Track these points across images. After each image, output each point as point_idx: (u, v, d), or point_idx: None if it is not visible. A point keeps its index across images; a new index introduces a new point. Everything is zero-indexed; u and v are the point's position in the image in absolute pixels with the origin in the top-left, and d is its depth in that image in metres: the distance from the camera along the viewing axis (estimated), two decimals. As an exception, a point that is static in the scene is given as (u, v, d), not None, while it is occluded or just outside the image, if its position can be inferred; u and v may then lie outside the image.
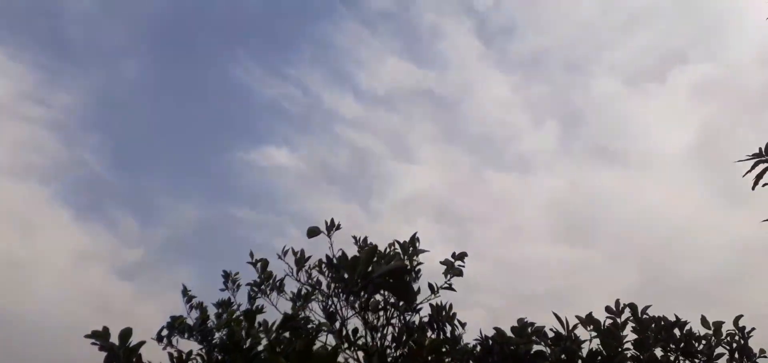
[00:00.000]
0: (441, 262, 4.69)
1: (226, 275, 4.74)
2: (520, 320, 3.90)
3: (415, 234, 4.55)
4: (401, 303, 4.24)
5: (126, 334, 3.42)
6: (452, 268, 4.64)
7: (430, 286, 4.46)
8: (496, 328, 3.94)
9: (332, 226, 4.68)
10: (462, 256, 4.71)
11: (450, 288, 4.45)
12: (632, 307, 4.21)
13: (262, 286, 4.65)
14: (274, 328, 3.83)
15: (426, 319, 4.56)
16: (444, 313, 4.52)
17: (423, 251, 4.59)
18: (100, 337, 3.41)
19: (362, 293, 3.92)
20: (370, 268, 3.28)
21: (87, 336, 3.38)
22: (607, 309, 4.28)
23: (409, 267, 4.08)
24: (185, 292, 4.63)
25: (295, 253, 4.95)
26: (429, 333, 4.42)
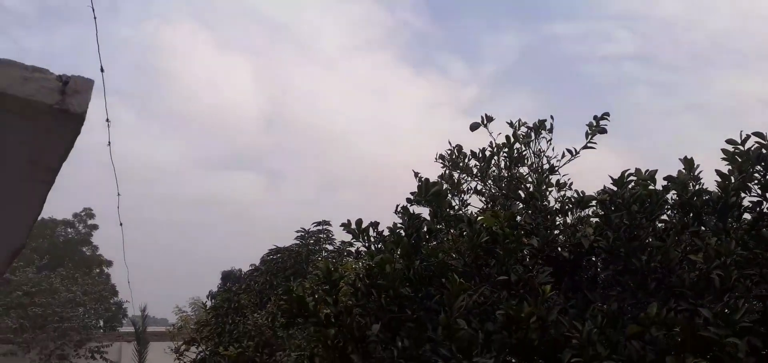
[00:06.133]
0: (586, 125, 5.63)
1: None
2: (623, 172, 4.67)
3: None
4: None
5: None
6: (596, 128, 5.56)
7: (569, 150, 5.44)
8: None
9: (488, 120, 5.90)
10: (604, 115, 5.59)
11: (590, 147, 5.39)
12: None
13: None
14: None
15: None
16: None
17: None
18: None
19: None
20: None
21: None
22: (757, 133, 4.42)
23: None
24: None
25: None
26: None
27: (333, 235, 18.00)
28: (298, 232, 17.99)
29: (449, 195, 5.76)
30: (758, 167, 4.36)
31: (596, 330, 3.84)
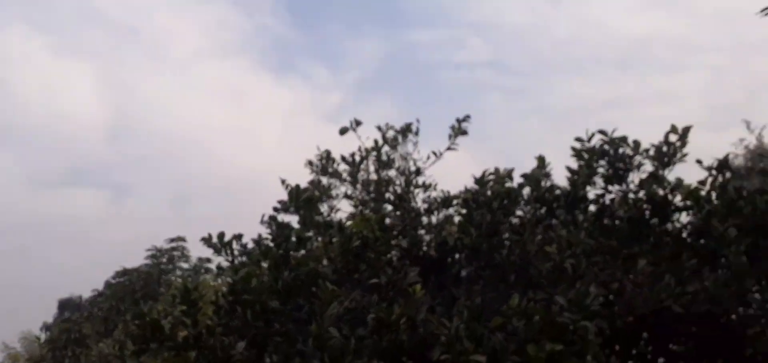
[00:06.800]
0: (449, 127, 5.91)
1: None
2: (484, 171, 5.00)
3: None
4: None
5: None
6: (458, 130, 5.85)
7: (434, 153, 5.67)
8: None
9: (356, 124, 5.97)
10: (466, 118, 5.90)
11: (453, 149, 5.68)
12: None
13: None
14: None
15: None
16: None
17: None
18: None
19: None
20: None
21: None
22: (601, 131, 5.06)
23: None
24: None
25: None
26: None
27: (189, 252, 17.12)
28: (148, 250, 16.83)
29: (319, 201, 5.72)
30: (602, 162, 4.88)
31: (462, 325, 4.02)
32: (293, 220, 5.31)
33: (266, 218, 5.19)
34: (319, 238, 5.13)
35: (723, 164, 4.58)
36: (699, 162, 4.68)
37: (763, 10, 4.39)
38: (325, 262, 4.70)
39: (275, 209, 5.34)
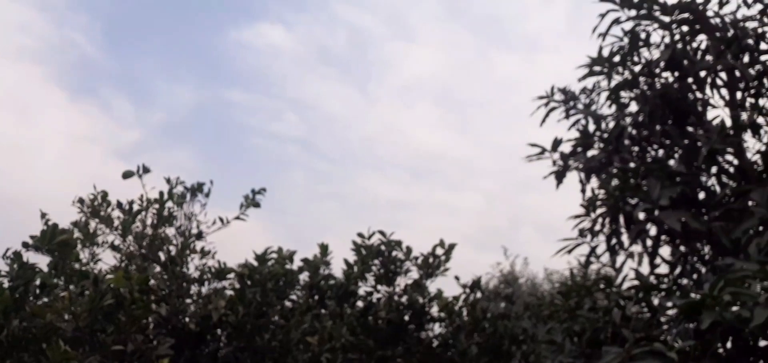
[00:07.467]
0: (243, 196, 5.84)
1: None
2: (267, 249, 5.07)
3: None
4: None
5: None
6: (251, 201, 5.81)
7: (221, 219, 5.56)
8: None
9: (144, 171, 5.64)
10: (261, 190, 5.89)
11: (241, 219, 5.62)
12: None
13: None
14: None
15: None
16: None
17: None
18: None
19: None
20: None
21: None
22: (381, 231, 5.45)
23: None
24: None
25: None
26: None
27: None
28: None
29: (80, 246, 5.23)
30: (376, 261, 5.19)
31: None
32: (45, 261, 4.79)
33: (9, 254, 4.61)
34: (71, 288, 4.67)
35: (476, 285, 5.14)
36: (457, 278, 5.20)
37: (528, 156, 5.15)
38: (66, 316, 4.27)
39: (25, 245, 4.78)
